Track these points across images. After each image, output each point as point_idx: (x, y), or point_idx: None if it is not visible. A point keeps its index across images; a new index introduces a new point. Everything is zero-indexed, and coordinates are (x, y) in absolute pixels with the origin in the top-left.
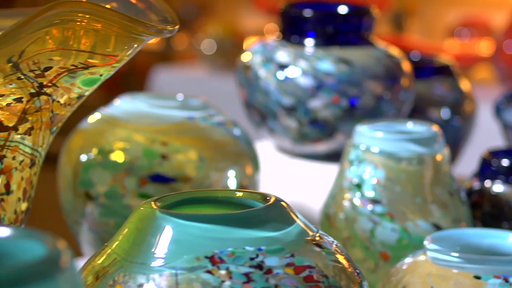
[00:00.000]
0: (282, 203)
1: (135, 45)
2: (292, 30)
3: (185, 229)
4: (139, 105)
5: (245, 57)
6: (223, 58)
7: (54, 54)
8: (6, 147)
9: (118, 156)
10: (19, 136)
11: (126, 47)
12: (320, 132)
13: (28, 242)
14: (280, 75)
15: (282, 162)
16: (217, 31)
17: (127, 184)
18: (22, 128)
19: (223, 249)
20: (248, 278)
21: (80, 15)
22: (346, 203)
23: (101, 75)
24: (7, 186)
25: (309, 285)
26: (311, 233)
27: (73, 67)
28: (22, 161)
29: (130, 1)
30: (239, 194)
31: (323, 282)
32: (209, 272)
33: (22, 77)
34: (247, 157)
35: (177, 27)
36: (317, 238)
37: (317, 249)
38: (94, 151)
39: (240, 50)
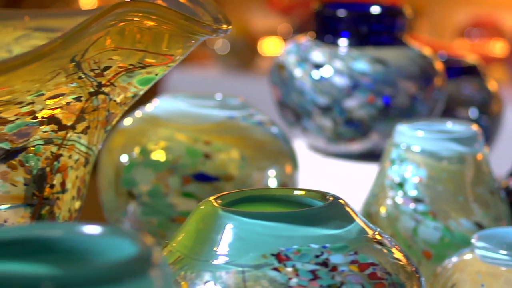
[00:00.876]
0: (341, 201)
1: (190, 45)
2: (326, 30)
3: (249, 227)
4: (179, 105)
5: (280, 57)
6: (236, 58)
7: (114, 53)
8: (63, 146)
9: (161, 155)
10: (76, 135)
11: (181, 47)
12: (354, 132)
13: (117, 240)
14: (316, 74)
15: (316, 161)
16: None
17: (170, 183)
18: (79, 127)
19: (288, 246)
20: (314, 275)
21: (140, 14)
22: (388, 202)
23: (156, 75)
24: (63, 184)
25: (373, 283)
26: (370, 231)
27: (131, 67)
28: (78, 159)
29: (181, 1)
30: (298, 192)
31: (386, 279)
32: (275, 269)
33: (83, 76)
34: (286, 156)
35: (230, 27)
36: (377, 236)
37: (378, 246)
38: (137, 151)
39: (253, 50)
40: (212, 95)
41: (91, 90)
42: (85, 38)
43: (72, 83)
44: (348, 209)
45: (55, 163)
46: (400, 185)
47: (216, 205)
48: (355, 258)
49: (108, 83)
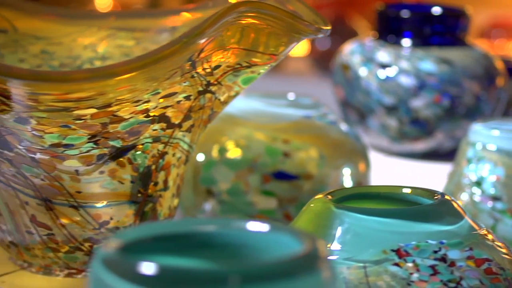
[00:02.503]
0: (448, 197)
1: (292, 44)
2: (389, 30)
3: (366, 224)
4: (255, 104)
5: (343, 57)
6: None
7: (225, 53)
8: (169, 144)
9: (240, 154)
10: (181, 133)
11: (284, 46)
12: (419, 131)
13: (280, 236)
14: (382, 74)
15: (379, 160)
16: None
17: (250, 181)
18: (185, 125)
19: (407, 242)
20: (434, 270)
21: (254, 14)
22: (466, 200)
23: (258, 74)
24: (165, 182)
25: (489, 278)
26: (477, 227)
27: (238, 66)
28: (180, 157)
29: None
30: (405, 190)
31: (501, 274)
32: (396, 264)
33: (195, 75)
34: (360, 155)
35: (330, 27)
36: (485, 232)
37: (489, 242)
38: (215, 149)
39: None
40: (284, 94)
41: (200, 89)
42: (203, 38)
43: (184, 82)
44: (456, 206)
45: (160, 161)
46: (478, 184)
47: (329, 202)
48: (471, 254)
49: (215, 82)
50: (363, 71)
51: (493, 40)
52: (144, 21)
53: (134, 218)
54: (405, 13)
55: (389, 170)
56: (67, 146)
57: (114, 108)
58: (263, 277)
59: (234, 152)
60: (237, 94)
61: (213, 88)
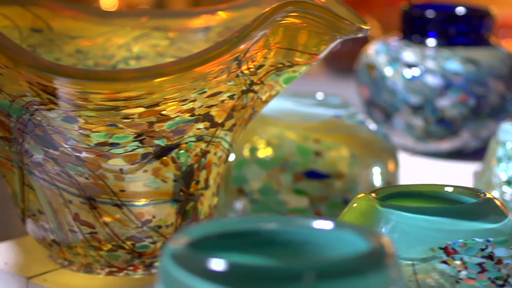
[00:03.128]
0: (490, 196)
1: (332, 44)
2: (414, 30)
3: (413, 222)
4: (284, 103)
5: (368, 57)
6: None
7: (269, 52)
8: (211, 143)
9: (272, 153)
10: (223, 132)
11: (325, 46)
12: (445, 131)
13: (342, 234)
14: (408, 74)
15: (405, 160)
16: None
17: (282, 180)
18: (227, 124)
19: (454, 240)
20: (482, 268)
21: (299, 14)
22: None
23: (299, 73)
24: (206, 181)
25: None
26: None
27: (281, 65)
28: (221, 156)
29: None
30: (448, 189)
31: None
32: (444, 262)
33: (240, 74)
34: (389, 154)
35: (369, 27)
36: None
37: None
38: (247, 149)
39: None
40: (313, 94)
41: (244, 88)
42: (250, 38)
43: (230, 81)
44: (499, 204)
45: (202, 159)
46: (508, 183)
47: (374, 201)
48: None
49: (258, 81)
50: (389, 71)
51: (500, 40)
52: (178, 21)
53: (176, 216)
54: (430, 13)
55: (414, 170)
56: (113, 145)
57: (161, 107)
58: (336, 274)
59: (265, 151)
60: (277, 93)
61: (256, 88)
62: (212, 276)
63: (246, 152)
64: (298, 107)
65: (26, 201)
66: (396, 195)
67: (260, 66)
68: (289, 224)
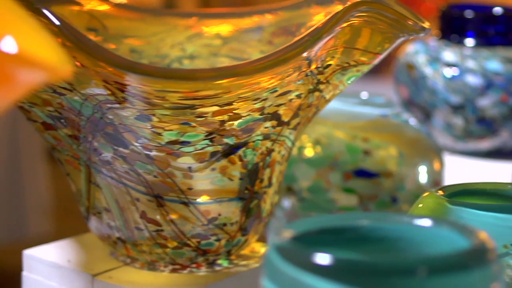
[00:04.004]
0: None
1: (396, 44)
2: (452, 30)
3: (484, 219)
4: (331, 103)
5: (407, 57)
6: None
7: (337, 52)
8: (276, 141)
9: (321, 152)
10: (288, 131)
11: (389, 45)
12: (485, 130)
13: (440, 230)
14: (448, 74)
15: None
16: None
17: (331, 179)
18: (292, 123)
19: None
20: None
21: (369, 14)
22: None
23: (361, 73)
24: (270, 179)
25: None
26: None
27: (346, 65)
28: (284, 155)
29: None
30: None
31: None
32: None
33: (309, 74)
34: (435, 153)
35: (430, 27)
36: None
37: None
38: (296, 147)
39: None
40: (357, 93)
41: (311, 87)
42: (321, 38)
43: (299, 81)
44: None
45: (267, 158)
46: None
47: (443, 199)
48: None
49: (325, 81)
50: (428, 71)
51: None
52: (231, 20)
53: (240, 214)
54: (468, 14)
55: (453, 169)
56: (184, 143)
57: (234, 106)
58: (446, 270)
59: (315, 150)
60: (340, 92)
61: (321, 87)
62: (319, 269)
63: (294, 151)
64: (344, 106)
65: (92, 199)
66: (461, 193)
67: (328, 66)
68: (386, 221)
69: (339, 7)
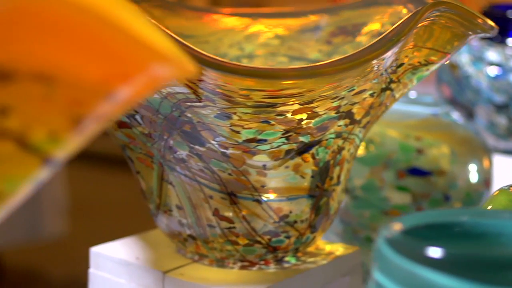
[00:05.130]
0: None
1: (464, 43)
2: None
3: None
4: None
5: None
6: None
7: (411, 51)
8: (347, 139)
9: (375, 150)
10: (358, 129)
11: (458, 44)
12: None
13: None
14: (492, 73)
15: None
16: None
17: (385, 177)
18: (363, 121)
19: None
20: None
21: (442, 13)
22: None
23: (429, 72)
24: (339, 177)
25: None
26: None
27: (418, 64)
28: (352, 153)
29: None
30: None
31: None
32: None
33: (384, 73)
34: (484, 152)
35: (497, 27)
36: None
37: None
38: None
39: None
40: (406, 93)
41: (383, 86)
42: (402, 37)
43: (374, 79)
44: None
45: (338, 156)
46: None
47: None
48: None
49: (396, 80)
50: (472, 70)
51: None
52: (287, 20)
53: (310, 212)
54: (510, 14)
55: (498, 167)
56: (261, 141)
57: (314, 104)
58: None
59: (368, 149)
60: (408, 91)
61: (393, 86)
62: (432, 262)
63: None
64: (395, 105)
65: (163, 196)
66: None
67: (401, 65)
68: (486, 216)
69: (399, 8)
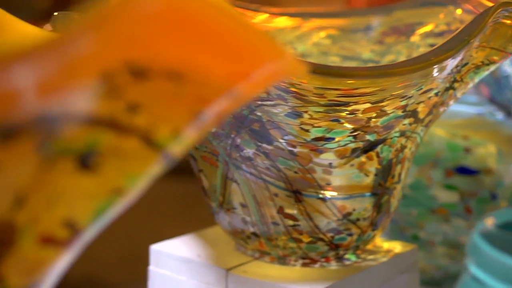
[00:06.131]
0: None
1: None
2: None
3: None
4: None
5: None
6: None
7: (476, 50)
8: (410, 138)
9: (423, 149)
10: (421, 128)
11: None
12: None
13: None
14: None
15: None
16: None
17: (433, 176)
18: (426, 120)
19: None
20: None
21: (509, 14)
22: None
23: (488, 71)
24: (399, 175)
25: None
26: None
27: (480, 64)
28: (412, 151)
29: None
30: None
31: None
32: None
33: (450, 72)
34: None
35: None
36: None
37: None
38: None
39: None
40: None
41: (447, 85)
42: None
43: (441, 79)
44: None
45: (400, 154)
46: None
47: None
48: None
49: (459, 79)
50: (511, 70)
51: None
52: (338, 20)
53: (372, 210)
54: None
55: None
56: (329, 139)
57: (384, 103)
58: None
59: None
60: (467, 90)
61: (456, 85)
62: None
63: None
64: None
65: (227, 194)
66: None
67: (465, 64)
68: None
69: (453, 8)
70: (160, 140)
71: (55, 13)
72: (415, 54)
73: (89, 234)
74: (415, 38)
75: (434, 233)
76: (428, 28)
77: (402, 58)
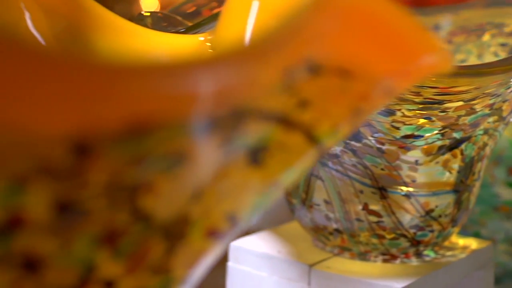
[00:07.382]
0: None
1: None
2: None
3: None
4: None
5: None
6: None
7: None
8: (492, 136)
9: None
10: (502, 126)
11: None
12: None
13: None
14: None
15: None
16: None
17: (496, 174)
18: (507, 118)
19: None
20: None
21: None
22: None
23: None
24: (479, 172)
25: None
26: None
27: None
28: (492, 149)
29: None
30: None
31: None
32: None
33: None
34: None
35: None
36: None
37: None
38: None
39: None
40: None
41: None
42: None
43: None
44: None
45: (481, 152)
46: None
47: None
48: None
49: None
50: None
51: None
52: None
53: (453, 206)
54: None
55: None
56: (417, 137)
57: (475, 101)
58: None
59: None
60: None
61: None
62: None
63: None
64: None
65: (311, 191)
66: None
67: None
68: None
69: None
70: (319, 134)
71: (143, 12)
72: (486, 53)
73: (242, 226)
74: (485, 38)
75: (496, 231)
76: (498, 28)
77: (472, 57)
